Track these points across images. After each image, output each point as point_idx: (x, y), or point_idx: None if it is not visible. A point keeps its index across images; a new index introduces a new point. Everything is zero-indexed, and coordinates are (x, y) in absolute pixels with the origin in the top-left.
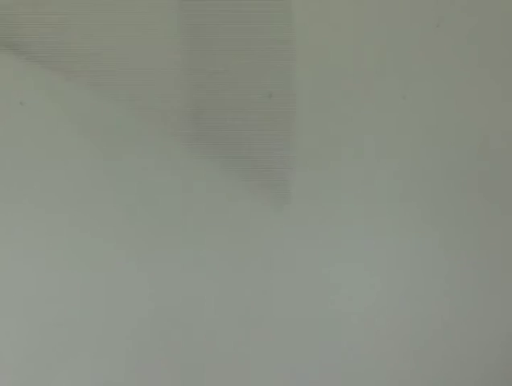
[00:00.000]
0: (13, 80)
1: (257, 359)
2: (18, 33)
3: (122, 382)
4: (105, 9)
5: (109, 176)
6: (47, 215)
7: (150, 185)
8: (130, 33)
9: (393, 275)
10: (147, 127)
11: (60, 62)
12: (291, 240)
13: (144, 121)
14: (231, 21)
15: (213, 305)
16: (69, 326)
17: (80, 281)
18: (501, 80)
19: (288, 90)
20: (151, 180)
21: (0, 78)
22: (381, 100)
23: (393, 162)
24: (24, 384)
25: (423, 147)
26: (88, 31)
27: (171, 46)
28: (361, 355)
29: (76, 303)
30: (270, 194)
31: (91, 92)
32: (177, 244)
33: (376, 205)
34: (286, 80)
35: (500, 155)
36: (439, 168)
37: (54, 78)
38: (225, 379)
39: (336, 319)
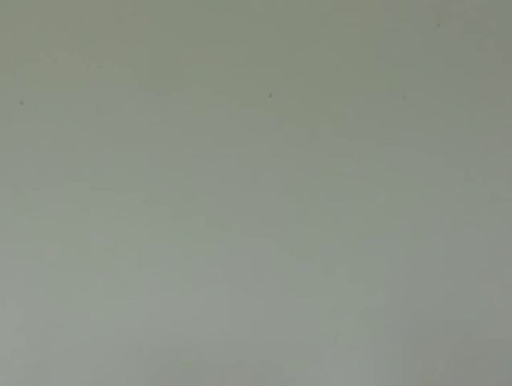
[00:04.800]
0: (13, 80)
1: None
2: None
3: None
4: None
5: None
6: (45, 216)
7: None
8: None
9: None
10: None
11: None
12: None
13: None
14: None
15: None
16: None
17: None
18: (500, 79)
19: (288, 90)
20: None
21: (0, 78)
22: (381, 100)
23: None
24: None
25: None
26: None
27: None
28: None
29: None
30: None
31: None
32: None
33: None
34: (286, 80)
35: None
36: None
37: (54, 78)
38: None
39: None
